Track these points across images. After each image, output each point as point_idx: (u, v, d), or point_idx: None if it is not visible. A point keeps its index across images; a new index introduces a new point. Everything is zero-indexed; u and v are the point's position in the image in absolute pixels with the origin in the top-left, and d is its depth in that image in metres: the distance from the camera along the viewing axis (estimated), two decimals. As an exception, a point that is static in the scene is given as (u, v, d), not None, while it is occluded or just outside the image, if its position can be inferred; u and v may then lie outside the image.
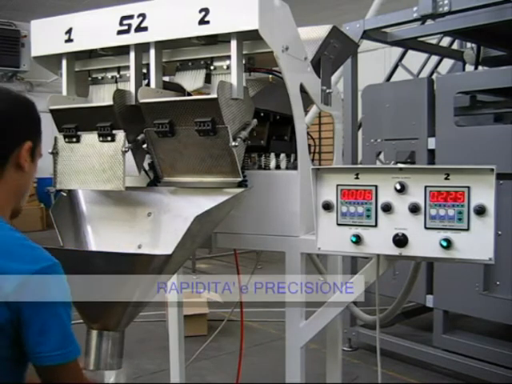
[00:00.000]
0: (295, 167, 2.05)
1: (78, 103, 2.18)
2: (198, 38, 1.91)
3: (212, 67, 2.01)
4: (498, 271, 3.74)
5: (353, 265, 4.33)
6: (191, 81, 2.06)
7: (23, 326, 1.30)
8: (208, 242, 2.07)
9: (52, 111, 2.10)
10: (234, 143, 1.82)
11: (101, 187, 2.02)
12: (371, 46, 7.01)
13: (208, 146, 1.89)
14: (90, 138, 2.03)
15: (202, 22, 1.83)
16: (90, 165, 2.02)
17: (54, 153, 2.09)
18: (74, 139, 2.05)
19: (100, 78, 2.24)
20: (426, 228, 1.62)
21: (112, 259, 1.75)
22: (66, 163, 2.07)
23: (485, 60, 5.11)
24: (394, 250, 1.66)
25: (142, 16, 1.93)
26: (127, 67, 2.07)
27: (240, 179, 1.94)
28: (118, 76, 2.19)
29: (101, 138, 1.99)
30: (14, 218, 1.49)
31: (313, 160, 2.33)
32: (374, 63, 9.65)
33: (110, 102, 1.96)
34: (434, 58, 5.94)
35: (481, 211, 1.54)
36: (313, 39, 2.24)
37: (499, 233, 3.55)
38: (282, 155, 2.14)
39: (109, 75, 2.22)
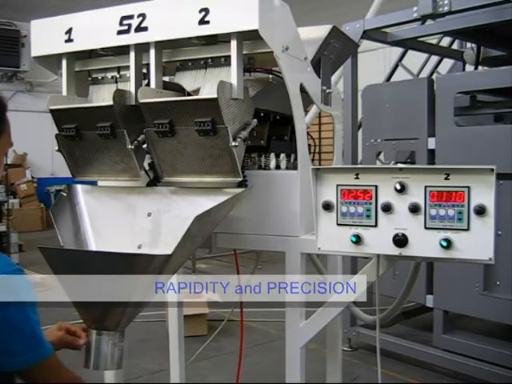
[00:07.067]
0: (295, 167, 2.04)
1: (78, 103, 2.18)
2: (198, 38, 1.91)
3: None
4: (498, 271, 3.75)
5: (353, 265, 4.33)
6: (191, 81, 2.06)
7: None
8: (208, 242, 2.07)
9: (52, 111, 2.10)
10: (234, 143, 1.82)
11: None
12: (371, 46, 7.02)
13: (208, 146, 1.89)
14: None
15: (202, 21, 1.82)
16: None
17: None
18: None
19: (100, 77, 2.24)
20: (426, 228, 1.61)
21: (112, 259, 1.74)
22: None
23: (485, 60, 5.11)
24: (394, 250, 1.66)
25: (142, 16, 1.93)
26: (127, 67, 2.07)
27: (240, 179, 1.93)
28: (117, 76, 2.19)
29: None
30: None
31: (313, 160, 2.33)
32: (374, 63, 9.66)
33: (110, 102, 1.96)
34: (434, 58, 5.94)
35: (481, 211, 1.53)
36: (313, 39, 2.23)
37: (499, 233, 3.55)
38: (282, 155, 2.14)
39: (109, 75, 2.22)
